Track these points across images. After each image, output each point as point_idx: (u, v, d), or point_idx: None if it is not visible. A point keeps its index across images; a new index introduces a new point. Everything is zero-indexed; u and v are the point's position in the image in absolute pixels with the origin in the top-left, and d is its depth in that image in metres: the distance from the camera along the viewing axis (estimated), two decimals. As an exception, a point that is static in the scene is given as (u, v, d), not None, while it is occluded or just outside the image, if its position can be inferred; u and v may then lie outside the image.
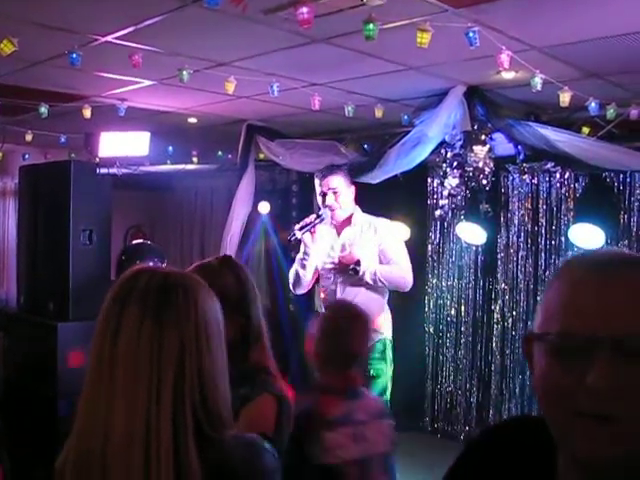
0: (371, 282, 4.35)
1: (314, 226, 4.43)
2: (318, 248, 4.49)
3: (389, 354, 4.47)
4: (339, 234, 4.54)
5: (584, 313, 0.96)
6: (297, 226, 4.47)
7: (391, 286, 4.46)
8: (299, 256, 4.57)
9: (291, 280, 4.66)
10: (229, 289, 2.11)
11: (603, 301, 0.95)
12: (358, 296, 4.37)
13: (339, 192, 4.47)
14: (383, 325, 4.48)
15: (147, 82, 4.92)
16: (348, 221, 4.53)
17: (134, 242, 5.79)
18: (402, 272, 4.43)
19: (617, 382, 0.92)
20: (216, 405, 1.44)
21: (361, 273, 4.31)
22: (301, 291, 4.73)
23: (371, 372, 4.36)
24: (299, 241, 4.47)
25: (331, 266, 4.42)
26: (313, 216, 4.50)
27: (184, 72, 4.28)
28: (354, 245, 4.42)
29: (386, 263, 4.42)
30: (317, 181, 4.58)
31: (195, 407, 1.40)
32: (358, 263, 4.31)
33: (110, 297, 1.46)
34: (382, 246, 4.44)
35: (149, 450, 1.34)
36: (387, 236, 4.49)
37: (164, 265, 5.55)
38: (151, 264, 5.08)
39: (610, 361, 0.92)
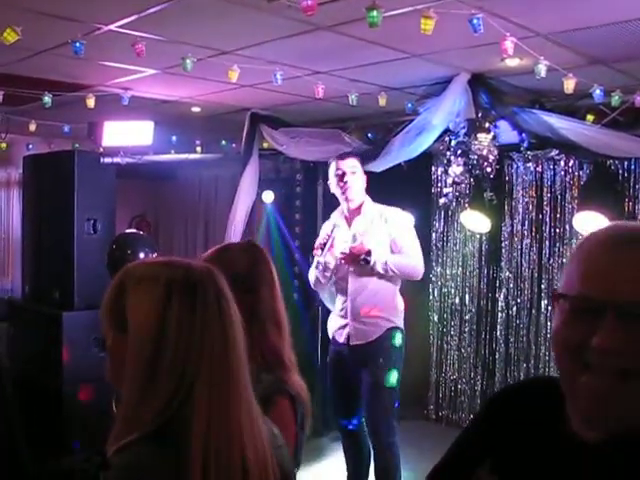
0: (382, 272, 4.30)
1: (332, 241, 4.41)
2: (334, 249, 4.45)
3: (402, 344, 4.46)
4: (350, 225, 4.48)
5: (598, 280, 1.08)
6: (317, 251, 4.45)
7: (402, 275, 4.41)
8: (320, 267, 4.50)
9: (312, 281, 4.64)
10: (238, 265, 2.12)
11: (615, 271, 1.07)
12: (369, 286, 4.37)
13: (357, 174, 4.40)
14: (396, 315, 4.46)
15: (151, 71, 4.92)
16: (358, 211, 4.46)
17: (125, 231, 5.79)
18: (413, 261, 4.38)
19: (618, 341, 1.04)
20: None
21: (372, 263, 4.26)
22: (322, 287, 4.70)
23: (387, 363, 4.36)
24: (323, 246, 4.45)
25: (342, 256, 4.35)
26: (324, 234, 4.49)
27: (187, 61, 4.27)
28: (365, 235, 4.37)
29: (397, 252, 4.37)
30: (333, 164, 4.47)
31: None
32: (369, 253, 4.25)
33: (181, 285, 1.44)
34: (393, 235, 4.38)
35: None
36: (398, 225, 4.43)
37: (154, 256, 5.56)
38: (142, 255, 5.10)
39: (616, 323, 1.04)
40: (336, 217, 4.55)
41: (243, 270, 2.13)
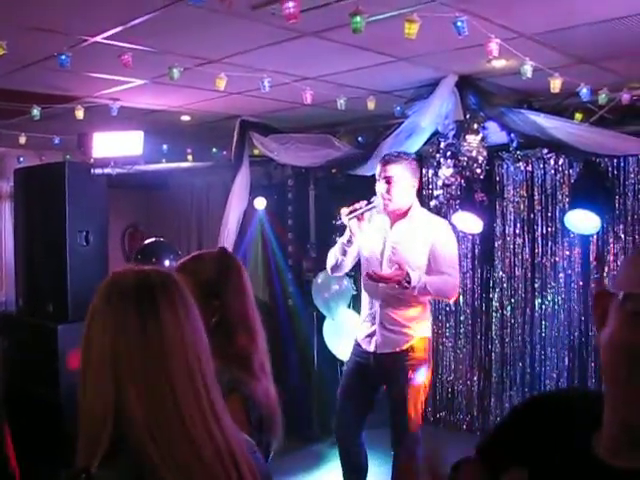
0: (417, 294, 4.13)
1: (363, 213, 4.17)
2: (364, 236, 4.24)
3: (430, 354, 4.36)
4: (392, 224, 4.30)
5: None
6: (345, 210, 4.19)
7: (436, 297, 4.31)
8: (342, 240, 4.31)
9: (330, 263, 4.44)
10: (206, 273, 2.17)
11: None
12: (402, 293, 4.18)
13: (394, 182, 4.18)
14: (426, 324, 4.35)
15: (138, 81, 4.92)
16: (404, 214, 4.28)
17: (148, 241, 5.81)
18: (452, 283, 4.20)
19: None
20: None
21: (410, 289, 4.04)
22: (338, 274, 4.58)
23: (416, 374, 4.21)
24: (344, 226, 4.24)
25: (377, 277, 4.08)
26: (363, 202, 4.20)
27: (174, 70, 4.27)
28: (404, 243, 4.21)
29: (435, 268, 4.18)
30: (378, 166, 4.32)
31: None
32: (408, 276, 4.00)
33: (132, 293, 1.46)
34: (434, 247, 4.19)
35: None
36: (443, 239, 4.23)
37: (177, 262, 5.56)
38: (167, 262, 5.09)
39: None
40: (380, 203, 4.26)
41: (211, 277, 2.17)
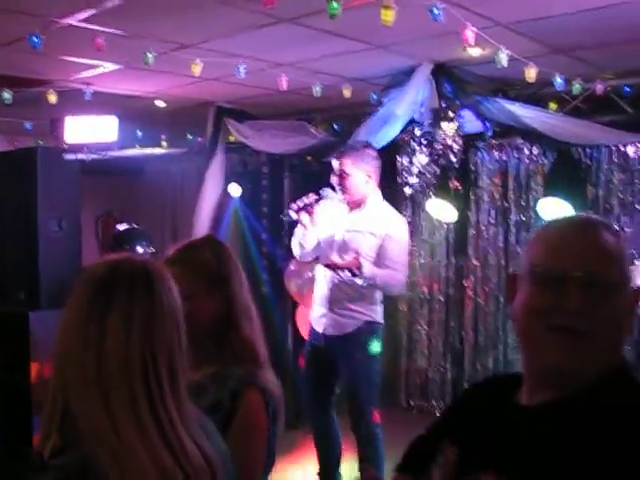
0: (365, 285, 4.19)
1: (311, 206, 4.24)
2: (319, 225, 4.31)
3: (380, 338, 4.40)
4: (349, 213, 4.35)
5: (564, 254, 1.31)
6: (294, 205, 4.28)
7: (383, 291, 4.35)
8: (299, 235, 4.39)
9: (295, 252, 4.53)
10: (206, 261, 2.10)
11: (578, 247, 1.31)
12: (351, 286, 4.26)
13: (346, 175, 4.23)
14: (375, 310, 4.38)
15: (113, 66, 4.88)
16: (360, 205, 4.32)
17: (121, 227, 5.74)
18: (399, 280, 4.28)
19: (581, 304, 1.26)
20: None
21: (360, 279, 4.12)
22: (307, 260, 4.66)
23: (365, 357, 4.31)
24: (295, 221, 4.32)
25: (332, 264, 4.17)
26: (313, 196, 4.28)
27: (149, 55, 4.23)
28: (357, 235, 4.25)
29: (383, 262, 4.21)
30: (333, 162, 4.36)
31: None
32: (360, 267, 4.07)
33: (90, 288, 1.41)
34: (385, 242, 4.22)
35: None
36: (395, 235, 4.26)
37: (152, 249, 5.51)
38: (140, 249, 5.04)
39: (580, 290, 1.27)
40: (329, 196, 4.34)
41: (212, 267, 2.10)
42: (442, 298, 6.51)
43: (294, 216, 4.25)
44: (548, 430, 1.27)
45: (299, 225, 4.35)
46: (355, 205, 4.33)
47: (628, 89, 5.04)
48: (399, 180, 6.03)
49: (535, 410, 1.33)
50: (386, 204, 4.42)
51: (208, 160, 6.39)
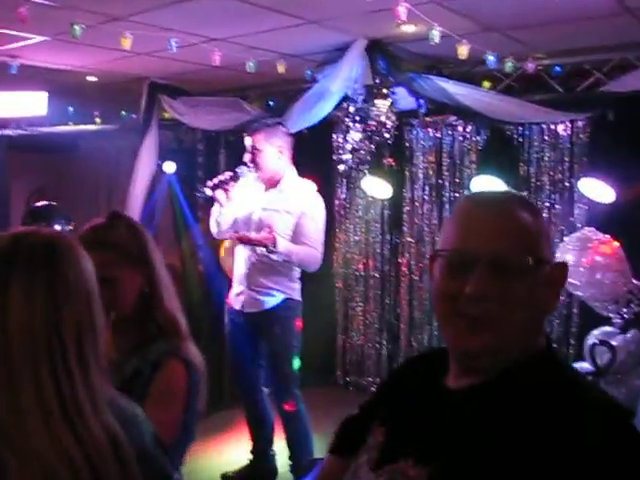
0: (281, 260, 4.24)
1: (227, 184, 4.29)
2: (236, 203, 4.37)
3: (299, 314, 4.47)
4: (265, 192, 4.42)
5: (471, 237, 1.27)
6: (210, 183, 4.34)
7: (300, 266, 4.38)
8: (215, 211, 4.44)
9: (213, 231, 4.57)
10: (126, 241, 2.09)
11: (486, 229, 1.27)
12: (269, 256, 4.30)
13: (257, 151, 4.30)
14: (292, 286, 4.45)
15: (39, 38, 4.73)
16: (276, 183, 4.37)
17: (38, 204, 5.59)
18: (315, 256, 4.33)
19: (486, 290, 1.23)
20: (103, 365, 1.40)
21: (276, 254, 4.16)
22: (224, 237, 4.71)
23: (284, 333, 4.38)
24: (210, 198, 4.37)
25: (246, 239, 4.24)
26: (229, 173, 4.35)
27: (76, 27, 4.11)
28: (273, 212, 4.29)
29: (299, 239, 4.28)
30: (246, 139, 4.44)
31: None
32: (274, 243, 4.12)
33: None
34: (301, 219, 4.28)
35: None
36: (311, 212, 4.33)
37: (71, 227, 5.40)
38: (58, 227, 4.92)
39: (483, 273, 1.23)
40: (248, 173, 4.39)
41: (133, 246, 2.10)
42: (377, 275, 6.56)
43: (209, 193, 4.29)
44: (470, 415, 1.26)
45: (215, 203, 4.38)
46: (271, 183, 4.38)
47: (559, 69, 5.11)
48: (335, 157, 6.06)
49: (459, 394, 1.31)
50: (302, 181, 4.46)
51: (142, 137, 6.27)
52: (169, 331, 2.05)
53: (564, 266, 1.35)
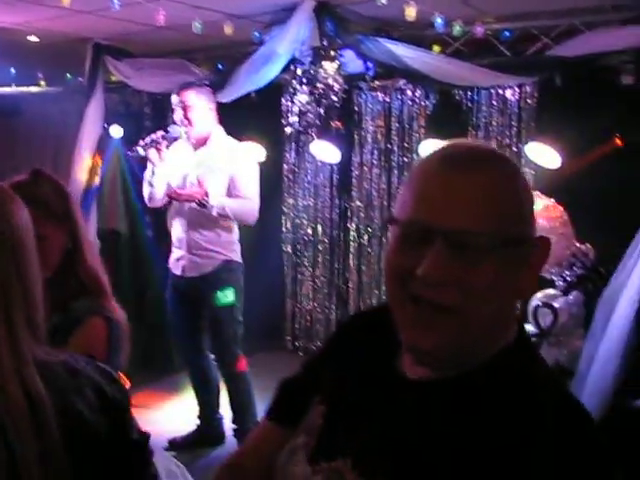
0: (216, 216, 4.25)
1: (159, 142, 4.30)
2: (167, 165, 4.36)
3: (240, 277, 4.48)
4: (194, 152, 4.42)
5: (427, 205, 1.03)
6: (141, 141, 4.34)
7: (236, 220, 4.40)
8: (147, 173, 4.44)
9: (145, 196, 4.54)
10: (51, 198, 2.08)
11: (446, 196, 1.01)
12: (207, 219, 4.33)
13: (189, 108, 4.30)
14: (232, 248, 4.47)
15: (-28, -8, 4.58)
16: (205, 142, 4.39)
17: None
18: (251, 208, 4.36)
19: (443, 272, 1.00)
20: (39, 324, 1.36)
21: (209, 207, 4.19)
22: (157, 205, 4.62)
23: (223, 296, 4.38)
24: (144, 158, 4.35)
25: (175, 195, 4.28)
26: (160, 132, 4.37)
27: (12, -18, 3.99)
28: (205, 169, 4.29)
29: (235, 194, 4.32)
30: (174, 96, 4.43)
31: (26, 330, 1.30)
32: (206, 196, 4.17)
33: None
34: (235, 175, 4.32)
35: None
36: (243, 167, 4.38)
37: None
38: None
39: (442, 252, 0.99)
40: (180, 131, 4.40)
41: (57, 202, 2.09)
42: (326, 239, 6.56)
43: (142, 152, 4.29)
44: (421, 423, 1.07)
45: (148, 163, 4.37)
46: (200, 142, 4.38)
47: (508, 33, 5.11)
48: (283, 121, 6.00)
49: (413, 391, 1.11)
50: (231, 139, 4.47)
51: (87, 100, 6.14)
52: (92, 289, 2.06)
53: (546, 242, 1.10)
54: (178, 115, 4.34)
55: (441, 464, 1.01)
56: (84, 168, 6.08)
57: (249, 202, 4.35)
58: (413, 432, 1.07)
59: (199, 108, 4.34)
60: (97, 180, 6.22)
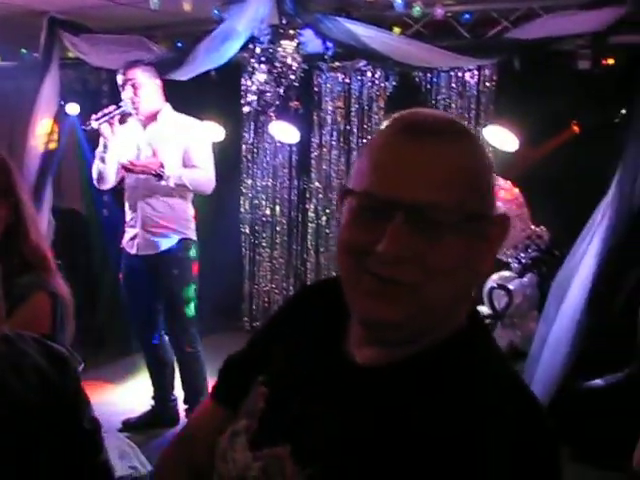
0: (174, 187, 4.23)
1: (113, 117, 4.25)
2: (119, 141, 4.31)
3: (196, 256, 4.46)
4: (144, 129, 4.39)
5: (387, 176, 0.97)
6: (94, 116, 4.28)
7: (194, 190, 4.38)
8: (99, 149, 4.38)
9: (95, 175, 4.47)
10: None
11: (407, 167, 0.96)
12: (161, 196, 4.31)
13: (138, 85, 4.28)
14: (188, 226, 4.44)
15: None
16: (154, 118, 4.37)
17: None
18: (206, 176, 4.35)
19: (405, 249, 0.95)
20: None
21: (165, 178, 4.16)
22: (105, 186, 4.55)
23: (182, 274, 4.36)
24: (97, 132, 4.29)
25: (131, 166, 4.22)
26: (113, 107, 4.33)
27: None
28: (158, 144, 4.26)
29: (190, 165, 4.31)
30: (119, 75, 4.39)
31: None
32: (162, 167, 4.15)
33: None
34: (188, 148, 4.31)
35: None
36: (195, 138, 4.37)
37: None
38: None
39: (403, 227, 0.95)
40: (130, 108, 4.37)
41: None
42: (284, 220, 6.56)
43: (95, 126, 4.23)
44: (365, 412, 1.03)
45: (100, 139, 4.32)
46: (149, 119, 4.35)
47: (468, 16, 5.12)
48: (242, 101, 5.96)
49: (359, 376, 1.07)
50: (178, 114, 4.45)
51: (42, 76, 6.02)
52: (36, 265, 2.03)
53: (505, 219, 1.07)
54: (128, 94, 4.30)
55: (386, 451, 0.97)
56: (39, 134, 5.94)
57: (204, 171, 4.34)
58: (357, 419, 1.03)
59: (147, 85, 4.31)
60: (54, 145, 6.08)
